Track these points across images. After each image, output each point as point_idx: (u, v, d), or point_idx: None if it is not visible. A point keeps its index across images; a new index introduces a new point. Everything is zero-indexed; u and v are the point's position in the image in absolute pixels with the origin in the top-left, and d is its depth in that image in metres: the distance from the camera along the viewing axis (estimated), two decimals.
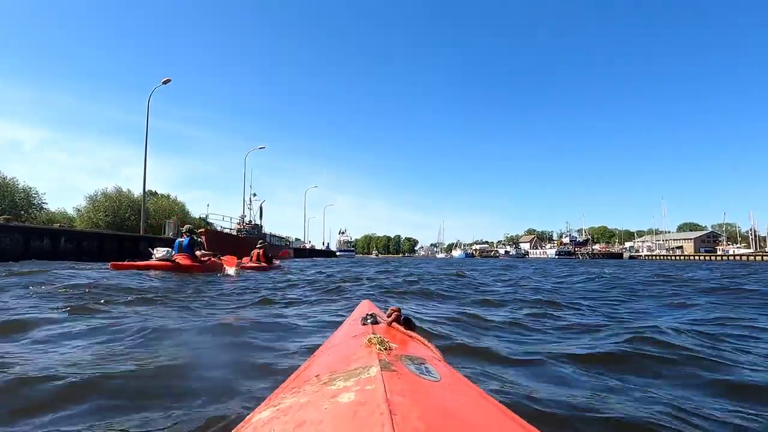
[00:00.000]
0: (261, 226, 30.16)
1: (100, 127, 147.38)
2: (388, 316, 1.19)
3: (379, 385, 0.62)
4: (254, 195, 31.32)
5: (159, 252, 7.62)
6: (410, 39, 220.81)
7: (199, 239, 9.26)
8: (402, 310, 1.21)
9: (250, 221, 29.37)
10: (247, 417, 0.71)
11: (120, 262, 7.09)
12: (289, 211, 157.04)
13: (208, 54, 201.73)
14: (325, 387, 0.69)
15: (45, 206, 30.01)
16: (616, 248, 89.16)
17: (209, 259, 8.84)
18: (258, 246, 12.46)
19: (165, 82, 21.99)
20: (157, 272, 7.06)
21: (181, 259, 7.95)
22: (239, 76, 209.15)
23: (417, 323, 1.29)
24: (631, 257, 72.22)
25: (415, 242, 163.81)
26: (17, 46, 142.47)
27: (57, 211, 32.18)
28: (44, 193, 31.55)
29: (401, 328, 1.14)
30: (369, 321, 1.21)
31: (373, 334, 0.95)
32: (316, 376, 0.79)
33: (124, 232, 23.45)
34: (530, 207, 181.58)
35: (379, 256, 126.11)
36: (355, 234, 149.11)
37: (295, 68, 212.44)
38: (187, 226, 8.77)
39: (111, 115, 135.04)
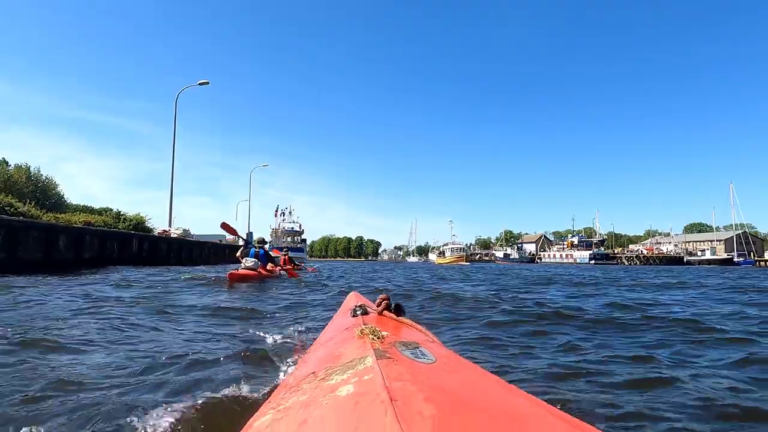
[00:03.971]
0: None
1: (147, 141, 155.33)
2: (378, 305, 1.24)
3: (376, 373, 0.64)
4: None
5: (248, 261, 8.29)
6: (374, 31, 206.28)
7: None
8: (391, 298, 1.24)
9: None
10: (249, 422, 0.72)
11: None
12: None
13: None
14: (323, 383, 0.70)
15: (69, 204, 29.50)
16: (670, 250, 72.29)
17: (284, 268, 10.08)
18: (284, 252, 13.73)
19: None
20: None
21: (262, 269, 8.80)
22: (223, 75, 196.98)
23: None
24: (688, 262, 61.98)
25: (378, 245, 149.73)
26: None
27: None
28: (69, 199, 31.90)
29: (392, 316, 1.19)
30: (359, 312, 1.25)
31: (364, 324, 1.00)
32: (313, 372, 0.80)
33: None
34: (505, 209, 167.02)
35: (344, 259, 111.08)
36: (313, 236, 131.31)
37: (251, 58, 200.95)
38: (259, 237, 9.55)
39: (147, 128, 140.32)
